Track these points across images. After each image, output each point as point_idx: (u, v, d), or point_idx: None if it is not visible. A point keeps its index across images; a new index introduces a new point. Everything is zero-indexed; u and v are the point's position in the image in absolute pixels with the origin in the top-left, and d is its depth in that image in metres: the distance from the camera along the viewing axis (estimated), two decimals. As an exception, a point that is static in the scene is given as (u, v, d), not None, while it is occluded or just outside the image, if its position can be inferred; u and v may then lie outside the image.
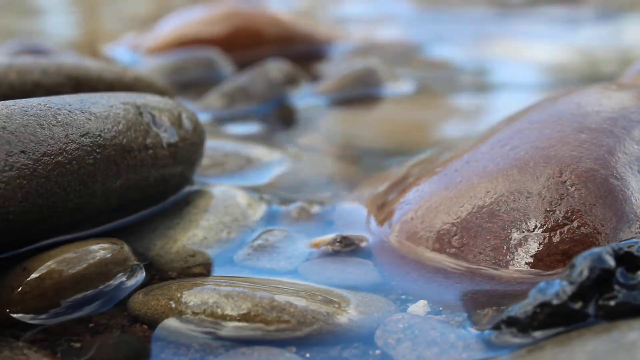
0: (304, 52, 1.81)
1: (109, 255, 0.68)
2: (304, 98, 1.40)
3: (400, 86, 1.48)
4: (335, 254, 0.77)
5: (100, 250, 0.68)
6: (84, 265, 0.67)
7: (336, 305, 0.65)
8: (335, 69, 1.58)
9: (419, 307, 0.67)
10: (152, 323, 0.64)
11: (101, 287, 0.68)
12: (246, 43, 1.79)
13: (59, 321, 0.65)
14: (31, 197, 0.67)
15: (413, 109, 1.37)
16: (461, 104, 1.44)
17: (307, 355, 0.60)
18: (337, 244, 0.78)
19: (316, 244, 0.79)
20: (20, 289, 0.65)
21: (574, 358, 0.53)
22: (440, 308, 0.66)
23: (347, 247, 0.78)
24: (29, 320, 0.64)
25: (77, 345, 0.62)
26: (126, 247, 0.71)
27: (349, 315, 0.64)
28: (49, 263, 0.66)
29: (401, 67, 1.68)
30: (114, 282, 0.69)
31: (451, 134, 1.22)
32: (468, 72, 1.67)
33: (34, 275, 0.65)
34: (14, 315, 0.64)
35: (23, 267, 0.66)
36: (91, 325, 0.65)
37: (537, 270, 0.70)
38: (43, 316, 0.65)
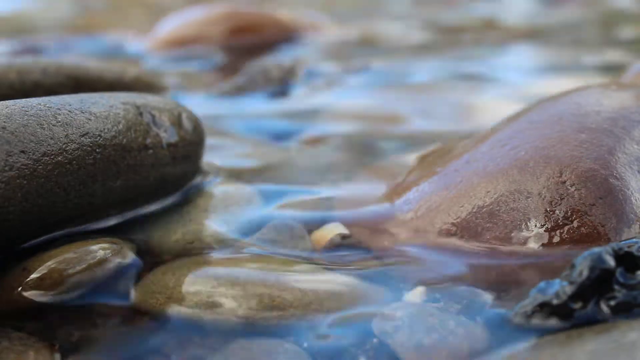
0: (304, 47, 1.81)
1: (109, 255, 0.69)
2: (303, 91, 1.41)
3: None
4: (335, 244, 0.77)
5: (100, 250, 0.69)
6: (84, 266, 0.67)
7: (333, 295, 0.65)
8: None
9: (417, 294, 0.67)
10: (152, 316, 0.64)
11: (101, 286, 0.68)
12: (246, 43, 1.79)
13: (58, 312, 0.65)
14: (31, 197, 0.67)
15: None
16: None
17: (305, 344, 0.60)
18: (338, 237, 0.78)
19: (317, 239, 0.79)
20: (20, 289, 0.65)
21: (574, 358, 0.53)
22: (439, 296, 0.66)
23: (347, 240, 0.78)
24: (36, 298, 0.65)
25: (76, 336, 0.62)
26: (126, 247, 0.71)
27: (346, 305, 0.64)
28: (49, 263, 0.66)
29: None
30: (114, 280, 0.69)
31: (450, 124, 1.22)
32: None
33: (34, 276, 0.65)
34: (23, 294, 0.65)
35: (23, 267, 0.67)
36: (90, 316, 0.65)
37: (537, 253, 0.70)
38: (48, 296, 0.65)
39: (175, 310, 0.64)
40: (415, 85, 1.50)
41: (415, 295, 0.67)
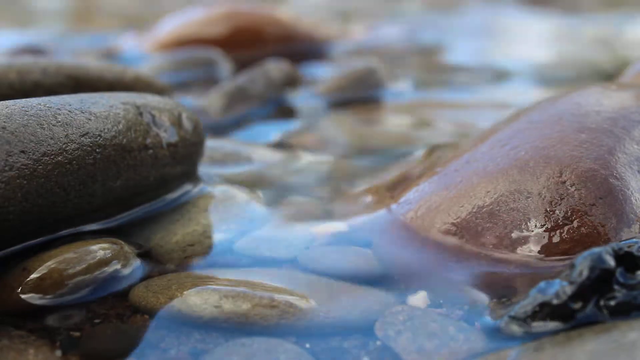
0: (304, 52, 1.81)
1: (109, 255, 0.69)
2: (304, 98, 1.41)
3: (400, 87, 1.48)
4: (335, 244, 0.77)
5: (100, 250, 0.69)
6: (84, 266, 0.67)
7: (335, 298, 0.65)
8: (336, 69, 1.58)
9: (419, 299, 0.67)
10: (153, 314, 0.64)
11: (101, 285, 0.68)
12: (246, 43, 1.79)
13: (59, 311, 0.65)
14: (31, 197, 0.67)
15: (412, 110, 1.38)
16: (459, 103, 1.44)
17: (307, 345, 0.60)
18: (337, 235, 0.78)
19: (316, 236, 0.79)
20: (20, 289, 0.65)
21: (574, 358, 0.53)
22: (441, 300, 0.66)
23: (346, 240, 0.78)
24: (36, 301, 0.65)
25: (77, 334, 0.62)
26: (126, 247, 0.71)
27: (348, 307, 0.64)
28: (49, 263, 0.66)
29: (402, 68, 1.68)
30: (114, 280, 0.69)
31: (447, 134, 1.23)
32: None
33: (34, 276, 0.65)
34: (21, 296, 0.65)
35: (23, 267, 0.67)
36: (91, 315, 0.65)
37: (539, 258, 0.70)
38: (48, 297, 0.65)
39: (175, 308, 0.64)
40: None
41: (419, 299, 0.67)
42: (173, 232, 0.79)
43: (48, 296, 0.65)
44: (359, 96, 1.41)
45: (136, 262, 0.71)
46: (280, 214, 0.85)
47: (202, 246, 0.77)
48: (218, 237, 0.79)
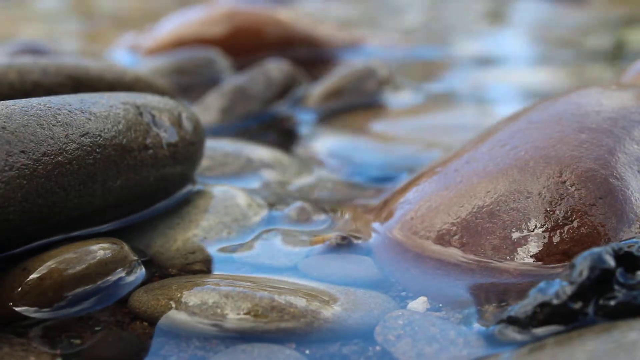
0: (305, 56, 1.80)
1: (109, 255, 0.69)
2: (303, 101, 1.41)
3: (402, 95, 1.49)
4: (335, 251, 0.77)
5: (100, 250, 0.68)
6: (84, 266, 0.67)
7: (335, 303, 0.65)
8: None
9: (419, 303, 0.67)
10: (153, 321, 0.64)
11: (101, 286, 0.68)
12: (246, 44, 1.79)
13: (59, 318, 0.65)
14: (31, 197, 0.67)
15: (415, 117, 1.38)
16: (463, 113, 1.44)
17: (307, 351, 0.60)
18: (337, 241, 0.78)
19: (316, 241, 0.79)
20: (20, 289, 0.65)
21: (574, 358, 0.53)
22: (440, 305, 0.66)
23: (346, 245, 0.78)
24: (32, 314, 0.64)
25: (77, 341, 0.62)
26: (126, 247, 0.71)
27: (348, 312, 0.64)
28: (49, 263, 0.66)
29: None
30: (114, 282, 0.69)
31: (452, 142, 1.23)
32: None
33: (34, 276, 0.65)
34: (17, 309, 0.64)
35: (23, 267, 0.67)
36: (91, 322, 0.65)
37: (538, 265, 0.70)
38: (45, 309, 0.65)
39: (175, 312, 0.64)
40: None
41: (419, 304, 0.67)
42: (173, 238, 0.79)
43: (48, 306, 0.65)
44: (362, 102, 1.42)
45: (137, 270, 0.71)
46: (280, 222, 0.85)
47: (203, 254, 0.77)
48: (219, 244, 0.79)
